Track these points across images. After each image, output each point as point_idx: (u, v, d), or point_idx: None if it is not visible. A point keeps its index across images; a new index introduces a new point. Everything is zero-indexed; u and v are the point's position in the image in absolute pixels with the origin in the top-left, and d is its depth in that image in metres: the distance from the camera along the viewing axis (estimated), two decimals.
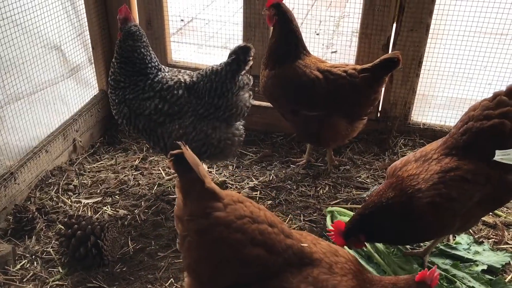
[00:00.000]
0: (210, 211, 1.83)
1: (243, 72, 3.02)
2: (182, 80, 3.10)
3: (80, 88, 4.02)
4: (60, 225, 3.06)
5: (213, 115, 3.08)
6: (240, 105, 3.11)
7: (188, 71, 3.20)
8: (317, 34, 6.04)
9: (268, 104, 3.83)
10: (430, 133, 3.84)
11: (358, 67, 3.25)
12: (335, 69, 3.28)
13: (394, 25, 3.57)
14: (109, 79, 3.18)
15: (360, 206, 3.28)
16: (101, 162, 3.80)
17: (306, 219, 3.22)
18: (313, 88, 3.26)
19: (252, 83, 3.14)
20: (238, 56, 2.95)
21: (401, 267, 2.76)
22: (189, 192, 1.88)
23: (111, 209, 3.28)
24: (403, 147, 3.84)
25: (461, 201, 2.42)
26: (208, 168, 3.71)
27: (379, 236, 2.58)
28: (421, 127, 3.89)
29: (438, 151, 2.56)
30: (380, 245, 2.83)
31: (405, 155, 3.71)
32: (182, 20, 6.78)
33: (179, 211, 1.93)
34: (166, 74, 3.14)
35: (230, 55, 2.99)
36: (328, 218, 3.08)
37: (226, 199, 1.88)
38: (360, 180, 3.58)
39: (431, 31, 3.53)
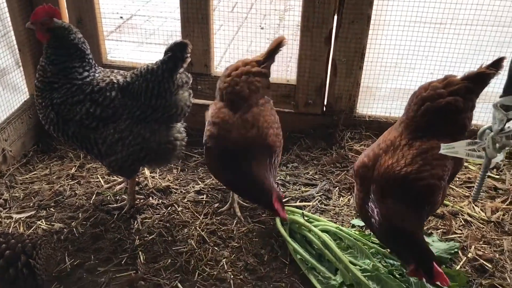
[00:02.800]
0: None
1: (181, 70, 2.85)
2: (115, 81, 2.89)
3: (8, 93, 3.72)
4: None
5: (151, 117, 2.89)
6: (180, 104, 2.94)
7: (121, 71, 3.00)
8: (262, 28, 5.94)
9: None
10: (376, 125, 3.82)
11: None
12: None
13: (336, 17, 3.50)
14: (35, 81, 2.94)
15: (309, 203, 3.22)
16: (35, 172, 3.54)
17: (254, 220, 3.11)
18: None
19: (191, 81, 2.99)
20: (175, 53, 2.78)
21: (353, 262, 2.70)
22: None
23: (45, 223, 3.04)
24: (350, 140, 3.79)
25: (445, 179, 2.51)
26: (150, 173, 3.53)
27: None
28: (367, 119, 3.86)
29: (404, 137, 2.56)
30: (330, 242, 2.76)
31: (352, 149, 3.71)
32: (121, 17, 6.49)
33: None
34: (97, 75, 2.92)
35: (166, 53, 2.81)
36: (277, 219, 2.98)
37: None
38: (308, 176, 3.50)
39: (372, 22, 3.49)
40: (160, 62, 2.82)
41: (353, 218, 3.12)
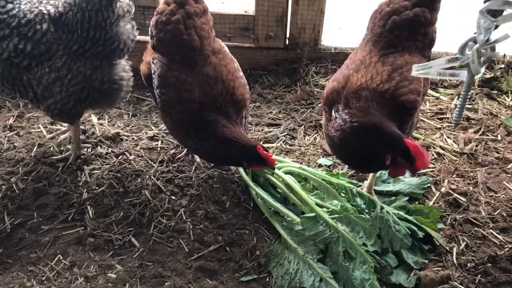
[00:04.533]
0: None
1: None
2: (45, 12, 2.53)
3: None
4: None
5: (90, 51, 2.58)
6: (123, 38, 2.63)
7: (51, 1, 2.61)
8: None
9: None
10: (342, 57, 3.55)
11: None
12: None
13: None
14: None
15: (273, 145, 2.99)
16: None
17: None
18: None
19: (133, 10, 2.65)
20: None
21: (320, 204, 2.51)
22: None
23: None
24: (315, 75, 3.53)
25: (423, 95, 2.39)
26: (98, 119, 3.20)
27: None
28: (333, 51, 3.60)
29: (374, 55, 2.38)
30: (294, 184, 2.55)
31: (318, 84, 3.46)
32: None
33: None
34: (23, 6, 2.53)
35: None
36: None
37: None
38: (271, 116, 3.25)
39: None
40: None
41: (319, 157, 2.91)
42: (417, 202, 2.60)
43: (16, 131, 3.11)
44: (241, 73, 2.58)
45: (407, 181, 2.67)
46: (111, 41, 2.59)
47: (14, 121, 3.19)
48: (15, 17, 2.49)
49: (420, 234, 2.39)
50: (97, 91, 2.66)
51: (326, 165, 2.84)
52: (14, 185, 2.69)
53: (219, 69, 2.45)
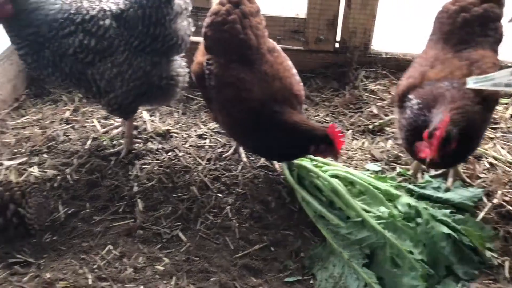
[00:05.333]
0: None
1: None
2: (107, 8, 2.63)
3: None
4: None
5: (150, 47, 2.66)
6: (181, 34, 2.71)
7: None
8: None
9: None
10: (393, 62, 3.52)
11: None
12: None
13: None
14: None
15: None
16: (27, 117, 3.32)
17: (260, 165, 2.89)
18: None
19: (190, 8, 2.73)
20: None
21: (365, 209, 2.48)
22: None
23: (38, 170, 2.85)
24: (364, 79, 3.50)
25: None
26: (150, 116, 3.29)
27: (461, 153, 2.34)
28: (383, 56, 3.56)
29: (448, 51, 2.43)
30: (340, 188, 2.53)
31: (367, 88, 3.43)
32: None
33: None
34: (84, 3, 2.65)
35: None
36: (285, 165, 2.75)
37: None
38: (319, 119, 3.24)
39: None
40: None
41: (367, 163, 2.88)
42: (468, 214, 2.52)
43: (71, 125, 3.24)
44: (295, 71, 2.60)
45: (458, 191, 2.60)
46: (170, 37, 2.66)
47: (70, 115, 3.32)
48: (78, 14, 2.60)
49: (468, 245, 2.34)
50: (155, 87, 2.74)
51: (374, 171, 2.80)
52: (68, 176, 2.80)
53: (275, 67, 2.48)
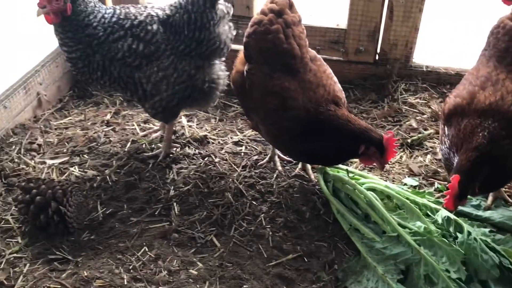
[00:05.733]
0: None
1: (221, 0, 2.70)
2: (154, 14, 2.71)
3: (43, 34, 3.57)
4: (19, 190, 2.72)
5: (195, 51, 2.74)
6: (223, 38, 2.78)
7: (155, 5, 2.80)
8: None
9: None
10: (434, 76, 3.47)
11: None
12: None
13: None
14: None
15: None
16: (70, 118, 3.42)
17: (295, 175, 2.89)
18: None
19: (232, 12, 2.80)
20: None
21: (401, 224, 2.45)
22: None
23: (78, 170, 2.93)
24: (404, 92, 3.46)
25: None
26: (187, 121, 3.34)
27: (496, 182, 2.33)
28: (424, 70, 3.50)
29: (501, 72, 2.32)
30: (376, 201, 2.51)
31: (406, 101, 3.38)
32: None
33: None
34: (131, 9, 2.72)
35: None
36: (320, 176, 2.73)
37: None
38: None
39: None
40: None
41: (405, 177, 2.84)
42: (508, 234, 2.45)
43: (112, 127, 3.32)
44: (337, 79, 2.61)
45: (499, 211, 2.53)
46: (213, 41, 2.73)
47: (111, 117, 3.40)
48: (127, 19, 2.68)
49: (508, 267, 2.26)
50: (198, 90, 2.81)
51: (412, 186, 2.76)
52: (107, 177, 2.86)
53: (319, 75, 2.50)
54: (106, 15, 2.67)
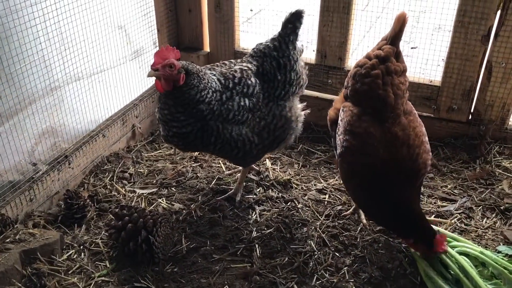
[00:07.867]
0: None
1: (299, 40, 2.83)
2: (246, 68, 2.77)
3: (143, 71, 3.81)
4: (111, 215, 2.84)
5: (288, 93, 2.84)
6: (304, 74, 2.92)
7: (233, 61, 2.85)
8: None
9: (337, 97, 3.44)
10: None
11: None
12: None
13: (499, 12, 3.06)
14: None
15: (446, 221, 2.83)
16: (160, 151, 3.57)
17: (380, 229, 2.81)
18: None
19: (304, 50, 2.92)
20: (294, 24, 2.74)
21: None
22: None
23: (166, 202, 3.02)
24: (497, 155, 3.32)
25: None
26: (271, 164, 3.38)
27: None
28: None
29: None
30: (470, 268, 2.38)
31: (500, 165, 3.25)
32: (251, 10, 6.49)
33: None
34: (222, 69, 2.76)
35: (285, 25, 2.75)
36: None
37: None
38: (446, 190, 3.10)
39: None
40: (281, 37, 2.76)
41: (499, 244, 2.68)
42: None
43: (199, 163, 3.42)
44: (427, 138, 2.55)
45: None
46: (299, 79, 2.86)
47: (198, 154, 3.51)
48: (227, 79, 2.68)
49: None
50: (292, 129, 2.88)
51: (507, 254, 2.59)
52: (193, 212, 2.93)
53: (407, 132, 2.43)
54: (213, 84, 2.61)
